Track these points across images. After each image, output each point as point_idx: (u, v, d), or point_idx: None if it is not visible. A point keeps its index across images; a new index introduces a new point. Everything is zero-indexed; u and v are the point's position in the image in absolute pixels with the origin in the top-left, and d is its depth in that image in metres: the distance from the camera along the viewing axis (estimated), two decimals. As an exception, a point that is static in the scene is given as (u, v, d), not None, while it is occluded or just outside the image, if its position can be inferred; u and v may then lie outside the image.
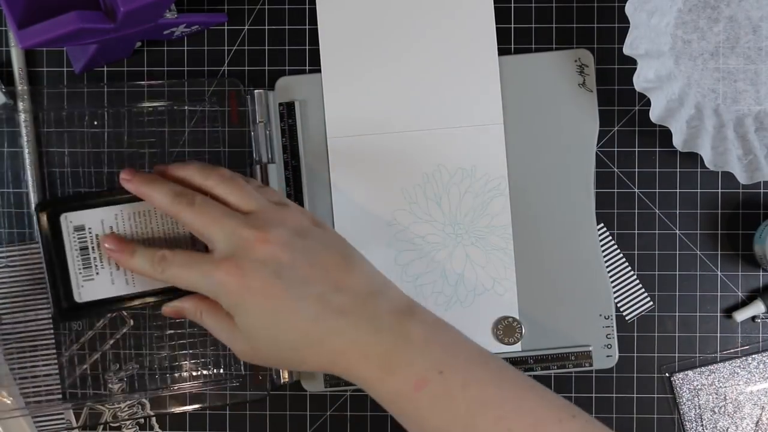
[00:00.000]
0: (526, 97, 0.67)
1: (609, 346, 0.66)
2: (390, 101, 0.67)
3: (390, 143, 0.67)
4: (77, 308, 0.62)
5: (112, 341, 0.67)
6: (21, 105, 0.67)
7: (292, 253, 0.56)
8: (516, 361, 0.66)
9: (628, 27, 0.62)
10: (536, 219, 0.67)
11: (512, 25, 0.67)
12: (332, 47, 0.67)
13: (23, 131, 0.67)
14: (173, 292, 0.61)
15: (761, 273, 0.67)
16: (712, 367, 0.67)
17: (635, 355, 0.67)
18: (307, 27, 0.68)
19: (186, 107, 0.67)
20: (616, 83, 0.67)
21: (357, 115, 0.67)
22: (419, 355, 0.55)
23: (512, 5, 0.67)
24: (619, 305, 0.67)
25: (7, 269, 0.66)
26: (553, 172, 0.67)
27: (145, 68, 0.68)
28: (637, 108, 0.67)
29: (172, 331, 0.67)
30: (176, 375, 0.67)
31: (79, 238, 0.62)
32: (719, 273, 0.67)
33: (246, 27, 0.68)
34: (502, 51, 0.67)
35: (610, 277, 0.67)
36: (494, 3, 0.67)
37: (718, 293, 0.67)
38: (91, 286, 0.62)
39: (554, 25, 0.67)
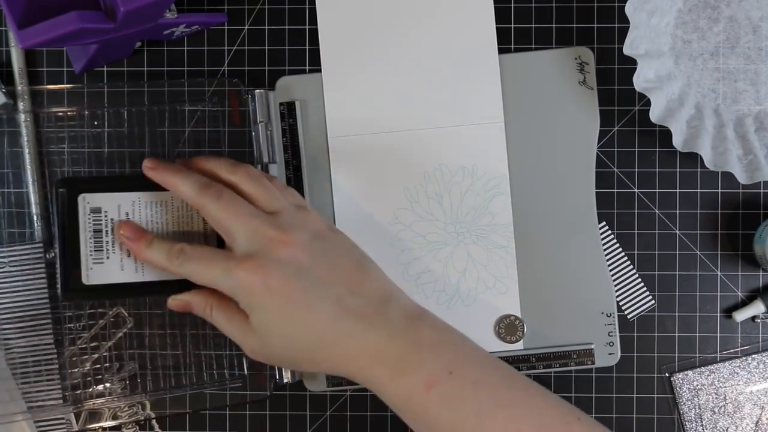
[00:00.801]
0: (526, 95, 0.67)
1: (611, 344, 0.66)
2: (390, 100, 0.67)
3: (391, 142, 0.67)
4: (84, 290, 0.61)
5: (112, 341, 0.67)
6: (21, 105, 0.66)
7: (312, 255, 0.57)
8: (518, 360, 0.66)
9: (628, 27, 0.62)
10: (537, 217, 0.67)
11: (512, 26, 0.67)
12: (332, 47, 0.67)
13: (23, 131, 0.66)
14: (181, 285, 0.60)
15: (761, 273, 0.67)
16: (712, 367, 0.67)
17: (635, 355, 0.67)
18: (307, 27, 0.68)
19: (186, 107, 0.67)
20: (616, 83, 0.67)
21: (357, 114, 0.67)
22: (430, 357, 0.56)
23: (512, 5, 0.67)
24: (620, 303, 0.67)
25: (7, 269, 0.66)
26: (555, 170, 0.67)
27: (145, 68, 0.68)
28: (637, 108, 0.67)
29: (172, 331, 0.67)
30: (176, 375, 0.67)
31: (94, 220, 0.61)
32: (719, 273, 0.67)
33: (246, 27, 0.68)
34: (502, 51, 0.67)
35: (612, 275, 0.67)
36: (494, 3, 0.67)
37: (718, 293, 0.67)
38: (101, 269, 0.61)
39: (554, 25, 0.67)
